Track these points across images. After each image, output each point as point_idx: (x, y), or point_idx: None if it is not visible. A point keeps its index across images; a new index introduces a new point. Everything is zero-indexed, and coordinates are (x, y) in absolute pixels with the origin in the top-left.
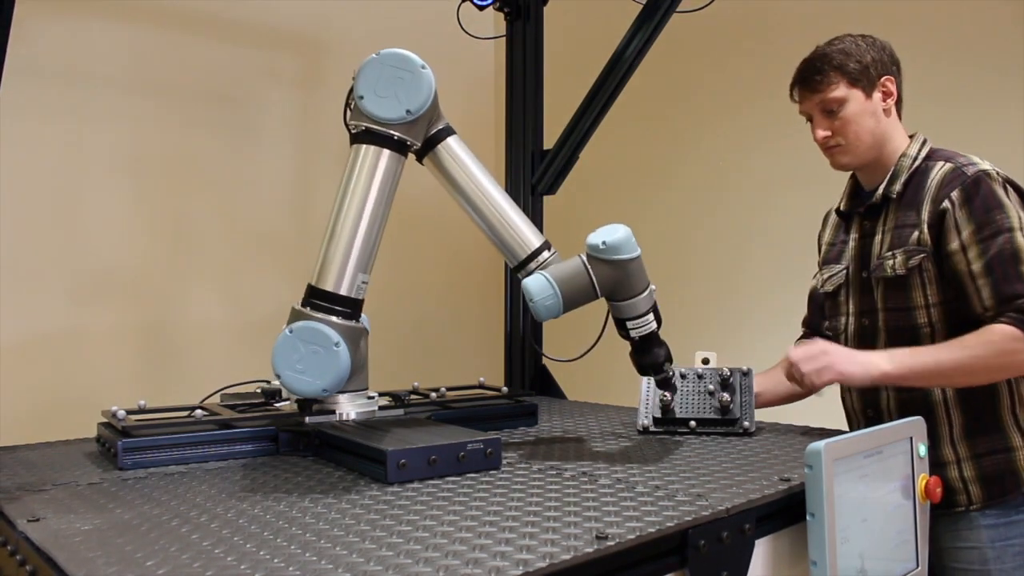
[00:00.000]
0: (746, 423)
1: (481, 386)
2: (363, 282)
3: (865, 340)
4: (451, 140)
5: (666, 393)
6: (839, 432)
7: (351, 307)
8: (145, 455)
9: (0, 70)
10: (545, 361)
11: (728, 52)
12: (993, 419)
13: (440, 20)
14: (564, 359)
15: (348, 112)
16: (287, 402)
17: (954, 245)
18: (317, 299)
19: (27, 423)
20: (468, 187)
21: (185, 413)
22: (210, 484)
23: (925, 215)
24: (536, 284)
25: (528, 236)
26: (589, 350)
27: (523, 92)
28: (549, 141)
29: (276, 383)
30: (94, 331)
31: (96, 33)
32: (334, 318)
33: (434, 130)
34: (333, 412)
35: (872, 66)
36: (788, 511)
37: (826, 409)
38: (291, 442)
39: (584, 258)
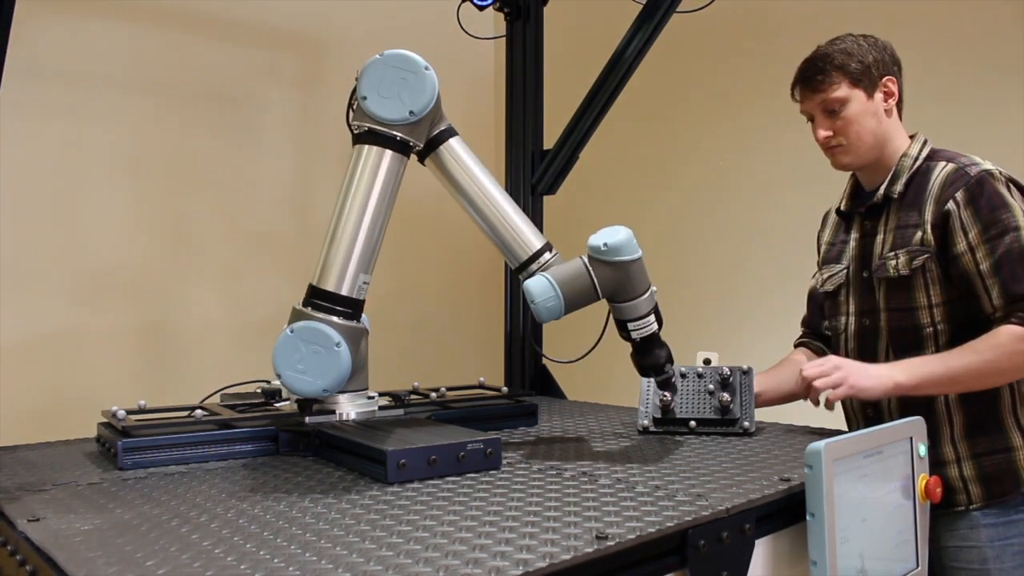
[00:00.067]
0: (746, 423)
1: (481, 386)
2: (364, 282)
3: (866, 340)
4: (453, 141)
5: (666, 393)
6: (839, 432)
7: (352, 307)
8: (145, 455)
9: (0, 70)
10: (545, 361)
11: (728, 52)
12: (993, 419)
13: (440, 20)
14: (564, 360)
15: (351, 112)
16: (287, 402)
17: (961, 246)
18: (318, 299)
19: (27, 423)
20: (470, 188)
21: (185, 413)
22: (210, 484)
23: (928, 215)
24: (538, 286)
25: (529, 237)
26: (589, 351)
27: (523, 92)
28: (549, 141)
29: (276, 383)
30: (94, 331)
31: (96, 33)
32: (335, 318)
33: (436, 131)
34: (333, 412)
35: (874, 66)
36: (788, 511)
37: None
38: (291, 442)
39: (585, 260)
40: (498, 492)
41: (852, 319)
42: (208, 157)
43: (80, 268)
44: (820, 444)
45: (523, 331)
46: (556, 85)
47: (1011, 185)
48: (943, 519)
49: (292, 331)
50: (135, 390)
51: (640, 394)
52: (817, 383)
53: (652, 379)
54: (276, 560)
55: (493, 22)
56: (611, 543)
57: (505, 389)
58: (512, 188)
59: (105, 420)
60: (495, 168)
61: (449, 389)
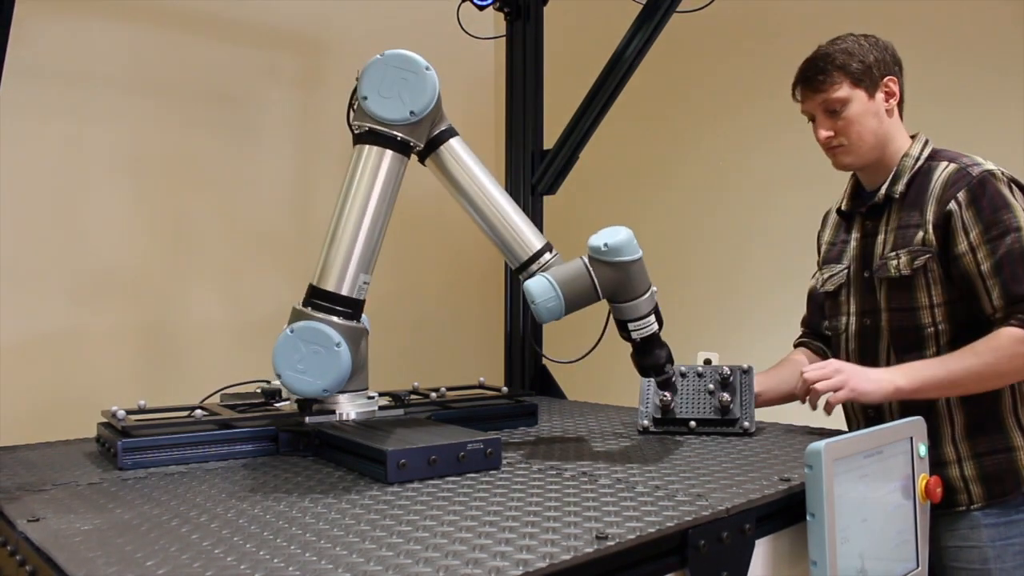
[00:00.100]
0: (746, 423)
1: (481, 386)
2: (364, 282)
3: (867, 340)
4: (454, 141)
5: (666, 393)
6: (839, 432)
7: (352, 307)
8: (145, 455)
9: (0, 70)
10: (545, 361)
11: (728, 52)
12: (994, 419)
13: (440, 20)
14: (564, 360)
15: (351, 112)
16: (287, 402)
17: (962, 247)
18: (318, 299)
19: (27, 423)
20: (470, 189)
21: (185, 413)
22: (210, 484)
23: (930, 215)
24: (538, 286)
25: (530, 238)
26: (589, 352)
27: (523, 92)
28: (549, 141)
29: (276, 383)
30: (94, 331)
31: (96, 33)
32: (335, 318)
33: (437, 131)
34: (333, 412)
35: (875, 66)
36: (788, 511)
37: None
38: (291, 442)
39: (586, 260)
40: (498, 492)
41: (853, 319)
42: (208, 157)
43: (80, 268)
44: (820, 444)
45: (523, 331)
46: (556, 85)
47: (1013, 185)
48: (944, 519)
49: (292, 331)
50: (135, 390)
51: (640, 394)
52: (818, 386)
53: (652, 379)
54: (276, 560)
55: (493, 22)
56: (611, 543)
57: (505, 389)
58: (512, 188)
59: (105, 420)
60: (495, 168)
61: (449, 389)
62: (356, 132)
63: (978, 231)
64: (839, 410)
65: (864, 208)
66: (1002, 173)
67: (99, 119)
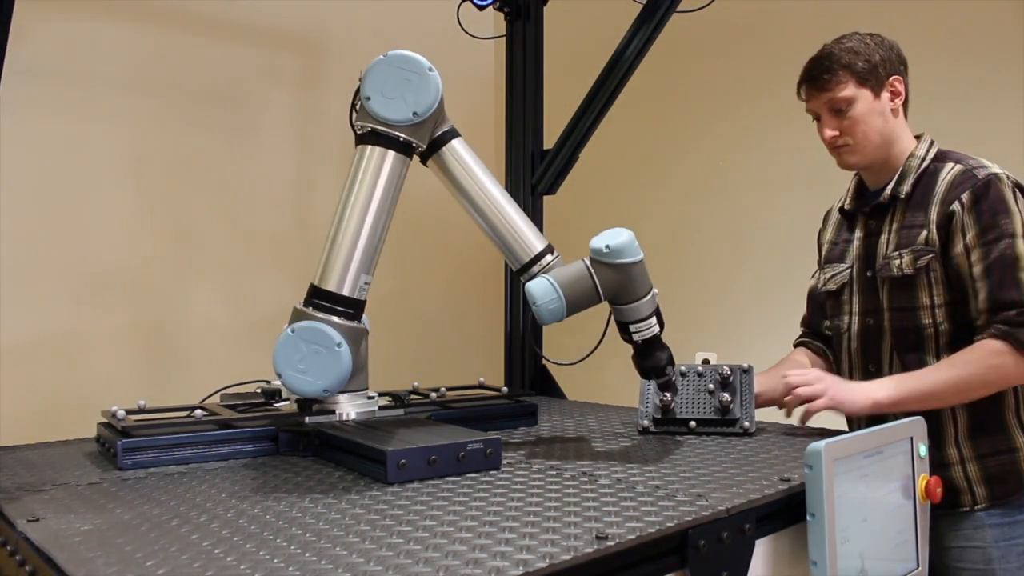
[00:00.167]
0: (746, 423)
1: (481, 386)
2: (366, 283)
3: (869, 340)
4: (456, 143)
5: (667, 394)
6: (839, 432)
7: (353, 308)
8: (145, 455)
9: (0, 70)
10: (545, 362)
11: (728, 52)
12: (997, 420)
13: (440, 20)
14: (564, 362)
15: (354, 113)
16: (287, 402)
17: (959, 247)
18: (319, 299)
19: (27, 423)
20: (472, 190)
21: (185, 413)
22: (210, 484)
23: (934, 215)
24: (539, 288)
25: (531, 240)
26: (590, 354)
27: (523, 92)
28: (549, 141)
29: (276, 383)
30: (94, 331)
31: (96, 33)
32: (336, 318)
33: (439, 132)
34: (333, 412)
35: (881, 65)
36: (788, 511)
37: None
38: (291, 442)
39: (587, 262)
40: (498, 492)
41: (856, 319)
42: (208, 157)
43: (80, 268)
44: (820, 444)
45: (523, 331)
46: (556, 85)
47: (1017, 191)
48: (947, 519)
49: (293, 331)
50: (135, 390)
51: (640, 394)
52: (798, 391)
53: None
54: (276, 560)
55: (493, 22)
56: (611, 543)
57: (505, 389)
58: (512, 188)
59: (105, 420)
60: (495, 168)
61: (449, 389)
62: (358, 132)
63: (975, 233)
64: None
65: (868, 208)
66: (1007, 178)
67: (99, 119)
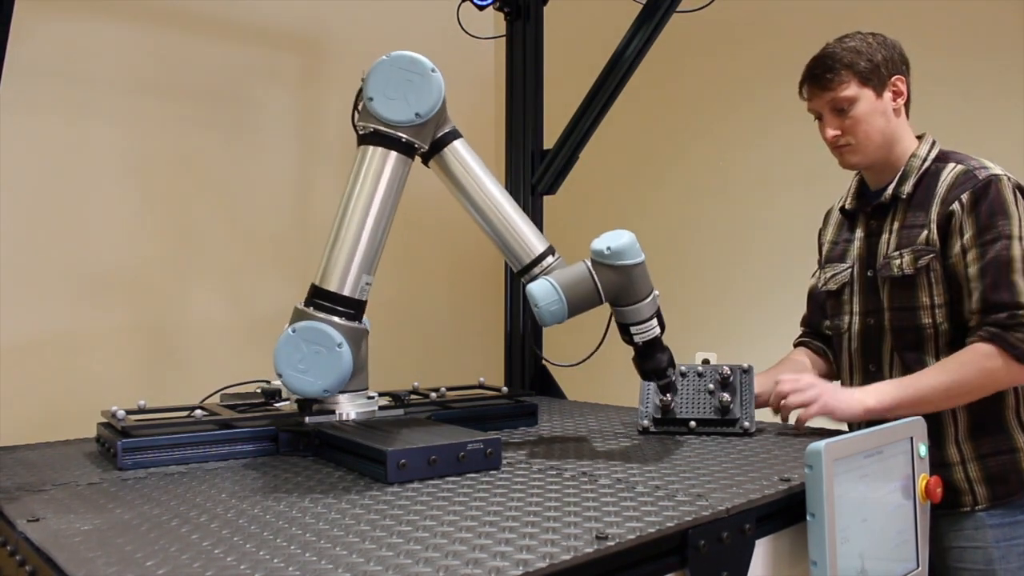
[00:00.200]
0: (746, 423)
1: (481, 386)
2: (367, 283)
3: (870, 339)
4: (457, 143)
5: (667, 395)
6: (839, 432)
7: (354, 308)
8: (145, 455)
9: (0, 69)
10: (545, 362)
11: (728, 52)
12: (997, 421)
13: (440, 20)
14: (565, 364)
15: (356, 113)
16: (287, 402)
17: (956, 247)
18: (320, 299)
19: (27, 423)
20: (474, 191)
21: (185, 413)
22: (210, 484)
23: (934, 215)
24: (541, 290)
25: (533, 241)
26: (590, 356)
27: (523, 92)
28: (549, 141)
29: (276, 383)
30: (94, 331)
31: (96, 33)
32: (337, 318)
33: (441, 133)
34: (333, 412)
35: (883, 65)
36: (788, 511)
37: None
38: (291, 442)
39: (588, 263)
40: (498, 492)
41: (856, 318)
42: (208, 157)
43: (80, 268)
44: (820, 444)
45: (523, 331)
46: (556, 85)
47: (1018, 193)
48: (947, 519)
49: (294, 331)
50: (135, 390)
51: (640, 394)
52: (789, 400)
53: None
54: (276, 560)
55: (493, 22)
56: (611, 543)
57: (505, 389)
58: (512, 188)
59: (105, 420)
60: (495, 168)
61: (449, 389)
62: (361, 133)
63: (972, 234)
64: None
65: (869, 207)
66: (1009, 179)
67: (99, 119)
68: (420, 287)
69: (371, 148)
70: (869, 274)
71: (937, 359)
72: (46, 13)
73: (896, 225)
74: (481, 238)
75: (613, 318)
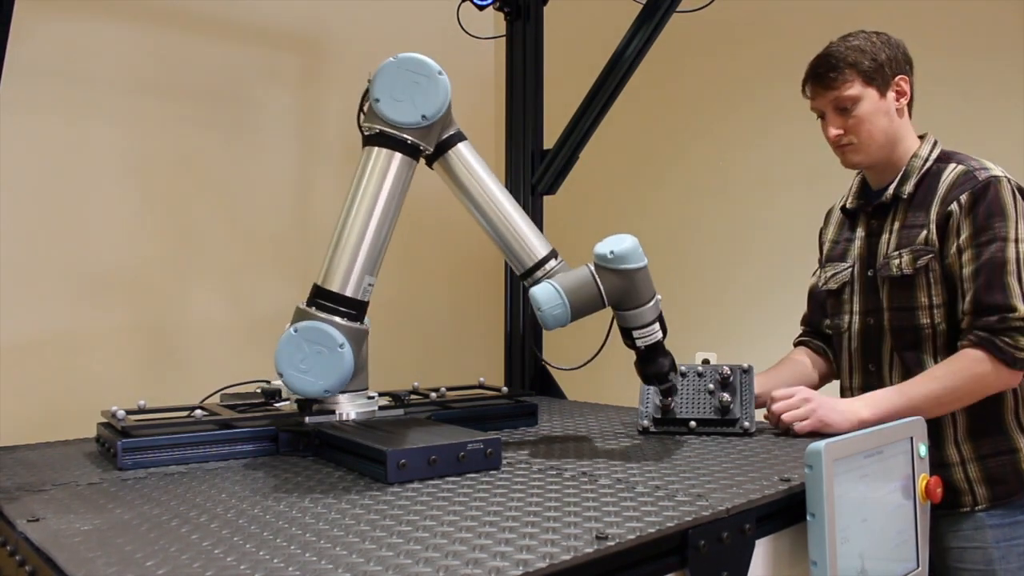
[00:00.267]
0: (746, 423)
1: (481, 386)
2: (369, 284)
3: (869, 339)
4: (462, 146)
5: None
6: (838, 432)
7: (356, 309)
8: (145, 455)
9: (0, 69)
10: (546, 365)
11: (728, 52)
12: (996, 421)
13: (440, 20)
14: (565, 367)
15: (361, 114)
16: (287, 402)
17: (952, 248)
18: (322, 299)
19: (27, 423)
20: (478, 194)
21: (185, 413)
22: (210, 484)
23: (933, 215)
24: (544, 293)
25: (535, 245)
26: (591, 359)
27: (523, 92)
28: (549, 141)
29: (276, 383)
30: (94, 331)
31: (96, 33)
32: (338, 319)
33: (446, 135)
34: (333, 412)
35: (887, 64)
36: (788, 511)
37: None
38: (291, 442)
39: (591, 267)
40: (498, 492)
41: (856, 318)
42: (208, 157)
43: (80, 268)
44: (820, 444)
45: (523, 332)
46: (556, 85)
47: (1017, 195)
48: (947, 520)
49: (296, 330)
50: (135, 390)
51: (640, 394)
52: (784, 417)
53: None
54: (276, 560)
55: (493, 22)
56: (611, 543)
57: (505, 389)
58: (512, 188)
59: (105, 420)
60: (495, 168)
61: (449, 389)
62: (366, 134)
63: (968, 234)
64: None
65: (870, 207)
66: (1009, 181)
67: (99, 119)
68: (420, 287)
69: (376, 149)
70: (869, 274)
71: (936, 359)
72: (46, 13)
73: (896, 225)
74: (481, 238)
75: (615, 321)
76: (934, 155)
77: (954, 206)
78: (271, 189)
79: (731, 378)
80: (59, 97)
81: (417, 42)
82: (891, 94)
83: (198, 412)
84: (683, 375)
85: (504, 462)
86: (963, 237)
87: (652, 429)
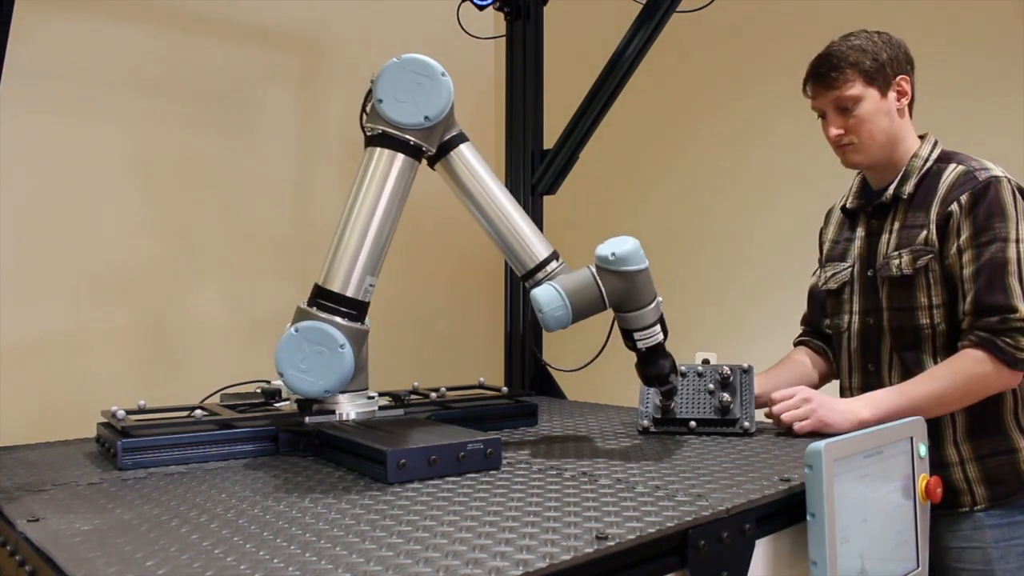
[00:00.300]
0: (746, 423)
1: (481, 386)
2: (370, 285)
3: (869, 339)
4: (464, 147)
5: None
6: (839, 432)
7: (357, 309)
8: (145, 455)
9: (0, 69)
10: (546, 366)
11: (728, 52)
12: (995, 421)
13: (440, 20)
14: (566, 369)
15: (364, 115)
16: (287, 402)
17: (952, 248)
18: (324, 299)
19: (27, 423)
20: (479, 195)
21: (185, 413)
22: (210, 484)
23: (933, 215)
24: (546, 295)
25: (537, 247)
26: (591, 361)
27: (523, 92)
28: (549, 141)
29: (276, 383)
30: (94, 331)
31: (96, 33)
32: (339, 319)
33: (448, 136)
34: (333, 412)
35: (888, 64)
36: (788, 511)
37: None
38: (291, 442)
39: (593, 269)
40: (498, 492)
41: (856, 318)
42: (208, 157)
43: (80, 268)
44: (820, 444)
45: (523, 332)
46: (556, 85)
47: (1018, 195)
48: (946, 520)
49: (297, 330)
50: (135, 390)
51: (640, 394)
52: (784, 417)
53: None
54: (276, 560)
55: (493, 22)
56: (611, 543)
57: (505, 389)
58: (512, 188)
59: (105, 420)
60: (495, 168)
61: (449, 389)
62: (368, 134)
63: (968, 235)
64: None
65: (870, 207)
66: (1009, 181)
67: (99, 119)
68: (420, 287)
69: (378, 150)
70: (869, 274)
71: (935, 360)
72: (46, 13)
73: (896, 225)
74: (482, 239)
75: (616, 323)
76: (934, 155)
77: (954, 206)
78: (271, 189)
79: (731, 378)
80: (59, 97)
81: (417, 42)
82: (892, 94)
83: (198, 412)
84: (683, 375)
85: (504, 462)
86: (963, 237)
87: (652, 429)
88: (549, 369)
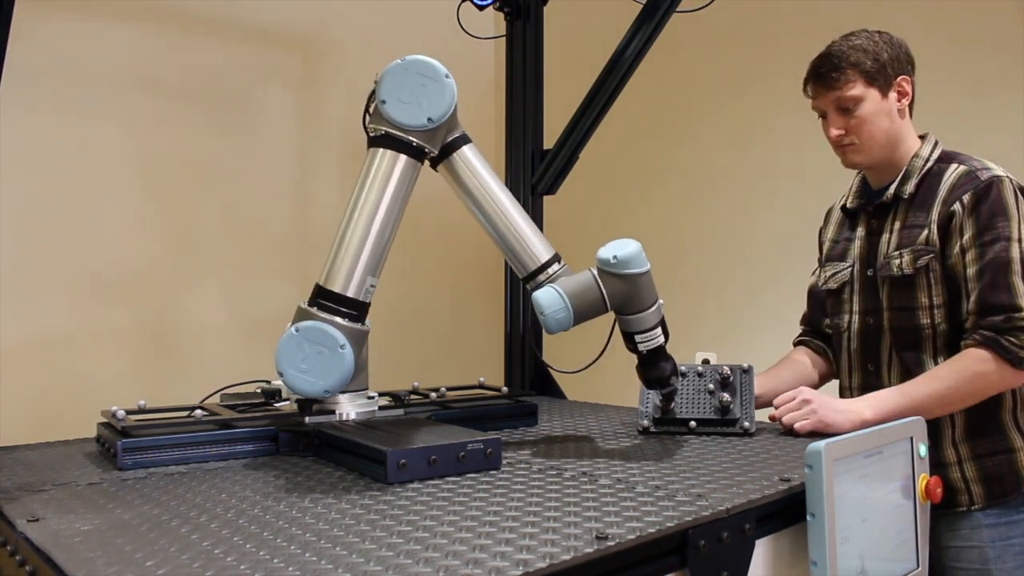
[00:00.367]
0: (746, 423)
1: (481, 386)
2: (371, 285)
3: (869, 339)
4: (466, 149)
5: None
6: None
7: (358, 310)
8: (145, 455)
9: (0, 69)
10: (547, 367)
11: (728, 52)
12: (994, 420)
13: (440, 20)
14: (566, 371)
15: (367, 115)
16: (287, 402)
17: (955, 248)
18: (324, 299)
19: (27, 423)
20: (482, 197)
21: (185, 413)
22: (210, 484)
23: (935, 215)
24: (547, 297)
25: (539, 249)
26: (592, 363)
27: (523, 92)
28: (549, 141)
29: (276, 383)
30: (94, 331)
31: (96, 33)
32: (340, 319)
33: (451, 138)
34: (333, 412)
35: (889, 65)
36: (788, 511)
37: None
38: (291, 442)
39: (595, 272)
40: (498, 492)
41: (856, 318)
42: (208, 157)
43: (80, 268)
44: (820, 444)
45: (523, 332)
46: (556, 85)
47: (1019, 195)
48: (944, 519)
49: (297, 330)
50: (135, 390)
51: (640, 394)
52: (785, 419)
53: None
54: (276, 560)
55: (493, 22)
56: (611, 543)
57: (505, 389)
58: (512, 188)
59: (105, 420)
60: (495, 168)
61: (449, 389)
62: (371, 135)
63: (971, 234)
64: None
65: (871, 206)
66: (1011, 181)
67: (99, 119)
68: (421, 287)
69: (381, 151)
70: (869, 273)
71: (936, 360)
72: (46, 13)
73: (897, 225)
74: (482, 239)
75: (617, 325)
76: (935, 155)
77: (957, 206)
78: (271, 189)
79: (731, 378)
80: (59, 97)
81: (417, 42)
82: (893, 94)
83: (198, 412)
84: (683, 375)
85: (504, 462)
86: (966, 237)
87: (652, 429)
88: (549, 369)
